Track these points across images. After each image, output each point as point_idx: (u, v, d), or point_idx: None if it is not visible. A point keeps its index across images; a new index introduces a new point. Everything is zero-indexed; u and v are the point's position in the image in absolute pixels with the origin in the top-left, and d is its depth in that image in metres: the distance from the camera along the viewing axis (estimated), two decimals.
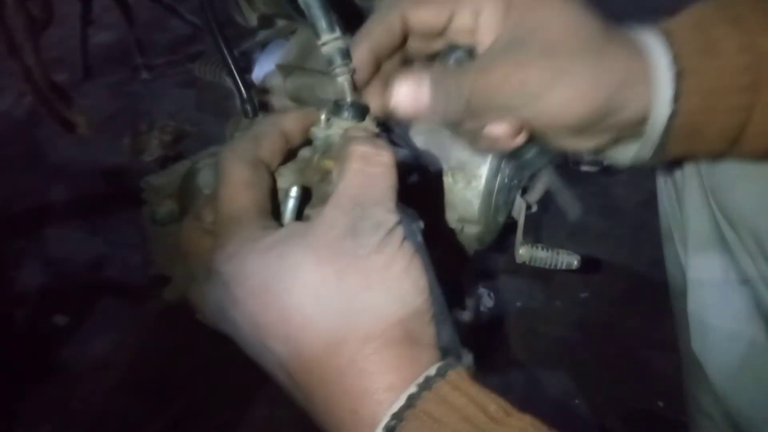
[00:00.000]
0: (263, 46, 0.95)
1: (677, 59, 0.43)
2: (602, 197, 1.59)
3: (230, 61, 0.74)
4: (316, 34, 0.51)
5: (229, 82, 0.79)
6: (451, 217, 0.82)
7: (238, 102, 0.78)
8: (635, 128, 0.46)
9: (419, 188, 0.42)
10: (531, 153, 0.49)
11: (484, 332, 1.35)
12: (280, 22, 0.90)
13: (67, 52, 2.16)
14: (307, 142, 0.47)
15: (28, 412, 1.31)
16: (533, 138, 0.48)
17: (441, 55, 0.48)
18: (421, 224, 0.45)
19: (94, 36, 2.22)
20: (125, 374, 1.36)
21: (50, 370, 1.38)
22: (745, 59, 0.43)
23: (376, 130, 0.45)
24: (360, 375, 0.36)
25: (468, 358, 0.42)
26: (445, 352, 0.39)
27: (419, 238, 0.43)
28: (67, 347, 1.42)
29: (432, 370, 0.36)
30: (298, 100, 0.85)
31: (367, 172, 0.39)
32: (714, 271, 0.65)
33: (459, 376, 0.36)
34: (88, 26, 2.14)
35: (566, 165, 1.02)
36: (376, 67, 0.47)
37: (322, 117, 0.46)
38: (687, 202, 0.66)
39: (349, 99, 0.47)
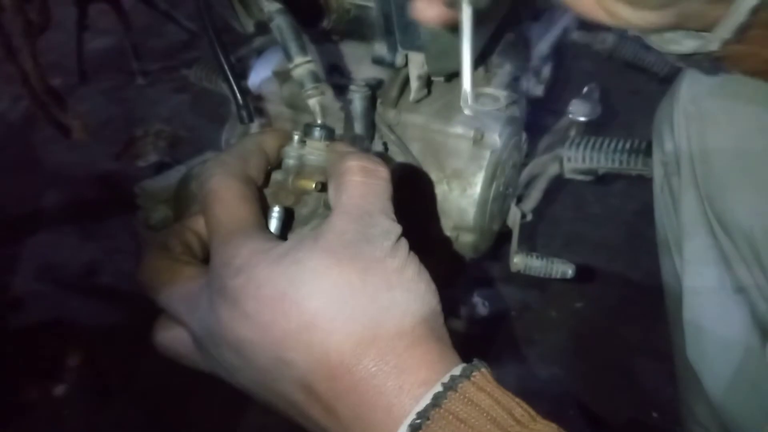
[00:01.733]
0: (259, 52, 0.95)
1: None
2: (597, 206, 1.59)
3: (226, 67, 0.74)
4: (288, 58, 0.52)
5: (225, 88, 0.79)
6: (446, 225, 0.82)
7: (233, 108, 0.78)
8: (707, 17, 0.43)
9: (412, 198, 0.43)
10: None
11: (479, 341, 1.35)
12: None
13: (62, 57, 2.16)
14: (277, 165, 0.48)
15: (20, 421, 1.30)
16: None
17: None
18: None
19: (90, 41, 2.21)
20: (118, 383, 1.35)
21: (43, 376, 1.37)
22: None
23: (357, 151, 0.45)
24: (393, 372, 0.35)
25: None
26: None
27: None
28: (60, 353, 1.40)
29: (457, 370, 0.36)
30: (294, 107, 0.86)
31: (369, 184, 0.40)
32: (710, 280, 0.65)
33: (484, 377, 0.36)
34: (83, 31, 2.13)
35: (561, 175, 1.02)
36: None
37: (295, 137, 0.46)
38: (683, 211, 0.66)
39: (319, 120, 0.48)
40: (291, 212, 0.44)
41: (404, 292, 0.37)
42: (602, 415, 1.21)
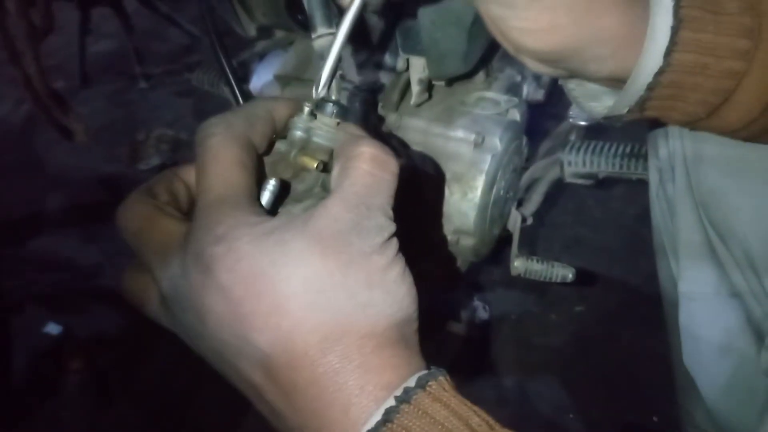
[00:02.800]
0: (261, 56, 0.95)
1: (679, 7, 0.42)
2: (598, 210, 1.60)
3: (228, 71, 0.74)
4: (312, 26, 0.50)
5: (227, 91, 0.79)
6: (447, 229, 0.82)
7: None
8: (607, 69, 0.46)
9: (414, 199, 0.42)
10: None
11: (479, 345, 1.35)
12: (279, 33, 0.91)
13: (65, 61, 2.16)
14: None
15: (22, 422, 1.30)
16: None
17: None
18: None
19: (93, 45, 2.22)
20: (118, 385, 1.35)
21: (44, 378, 1.37)
22: (746, 21, 0.42)
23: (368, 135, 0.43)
24: (357, 371, 0.35)
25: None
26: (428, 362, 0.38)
27: None
28: (59, 356, 1.41)
29: (411, 381, 0.35)
30: None
31: (376, 176, 0.38)
32: (705, 284, 0.65)
33: (440, 386, 0.35)
34: (86, 35, 2.14)
35: (561, 179, 1.02)
36: None
37: (306, 110, 0.44)
38: (679, 216, 0.66)
39: (334, 96, 0.45)
40: (287, 186, 0.42)
41: (383, 293, 0.36)
42: (601, 419, 1.21)
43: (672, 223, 0.68)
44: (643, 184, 0.87)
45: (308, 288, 0.35)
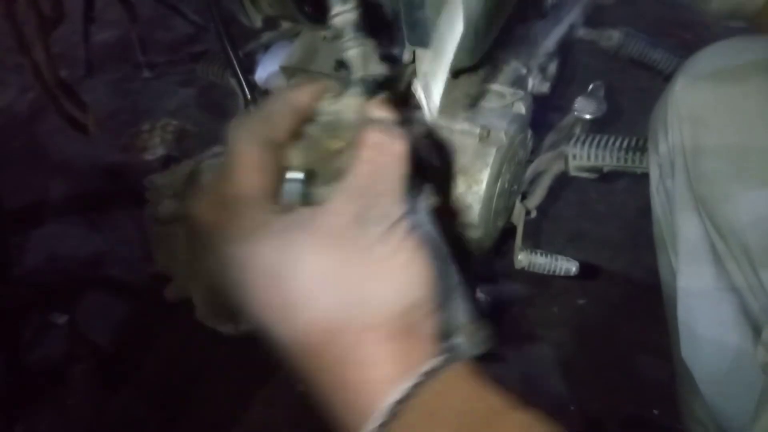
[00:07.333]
0: (267, 47, 0.95)
1: None
2: (601, 204, 1.59)
3: (234, 62, 0.74)
4: (329, 4, 0.50)
5: (232, 82, 0.79)
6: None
7: (241, 102, 0.78)
8: None
9: (434, 167, 0.41)
10: None
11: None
12: (285, 24, 0.91)
13: (68, 49, 2.16)
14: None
15: (24, 411, 1.31)
16: None
17: None
18: (433, 201, 0.45)
19: (97, 33, 2.21)
20: (123, 373, 1.36)
21: (47, 367, 1.38)
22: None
23: (390, 114, 0.43)
24: (358, 366, 0.36)
25: (483, 333, 0.42)
26: (449, 339, 0.39)
27: (428, 221, 0.43)
28: (64, 345, 1.41)
29: (430, 364, 0.36)
30: None
31: (378, 162, 0.39)
32: (703, 279, 0.66)
33: (457, 372, 0.36)
34: (90, 23, 2.13)
35: (565, 172, 1.02)
36: None
37: (330, 93, 0.45)
38: (677, 212, 0.66)
39: (359, 74, 0.46)
40: (313, 172, 0.43)
41: (385, 282, 0.37)
42: (603, 412, 1.22)
43: (671, 218, 0.68)
44: (646, 178, 0.87)
45: (310, 283, 0.37)
